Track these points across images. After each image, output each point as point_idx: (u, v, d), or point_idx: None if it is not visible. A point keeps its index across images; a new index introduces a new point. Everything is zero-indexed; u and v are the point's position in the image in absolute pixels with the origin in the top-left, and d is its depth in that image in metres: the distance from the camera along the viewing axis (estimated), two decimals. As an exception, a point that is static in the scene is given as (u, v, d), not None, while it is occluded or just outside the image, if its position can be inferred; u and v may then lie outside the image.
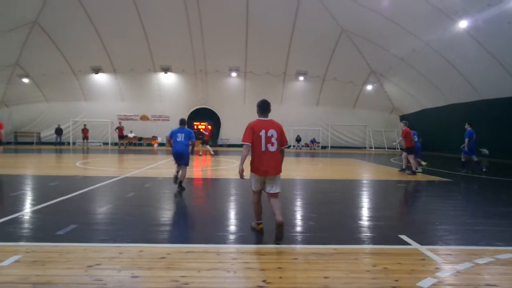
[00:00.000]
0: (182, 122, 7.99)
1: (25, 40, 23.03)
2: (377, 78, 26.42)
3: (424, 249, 3.73)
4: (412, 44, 19.18)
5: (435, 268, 3.22)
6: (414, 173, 11.04)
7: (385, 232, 4.49)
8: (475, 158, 11.98)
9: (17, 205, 5.75)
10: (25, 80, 26.27)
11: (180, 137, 7.55)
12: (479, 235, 4.39)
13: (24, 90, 26.87)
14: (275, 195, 4.14)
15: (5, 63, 24.07)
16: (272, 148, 4.12)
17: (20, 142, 27.53)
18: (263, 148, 4.08)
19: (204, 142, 18.91)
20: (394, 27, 18.59)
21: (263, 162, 4.09)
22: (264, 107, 4.34)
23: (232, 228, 4.68)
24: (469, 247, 3.86)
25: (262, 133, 4.10)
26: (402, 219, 5.36)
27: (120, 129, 25.81)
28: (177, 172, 7.55)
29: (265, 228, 4.40)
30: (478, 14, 14.30)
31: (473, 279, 3.02)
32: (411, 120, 27.13)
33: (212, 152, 18.44)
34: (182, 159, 7.48)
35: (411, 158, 11.28)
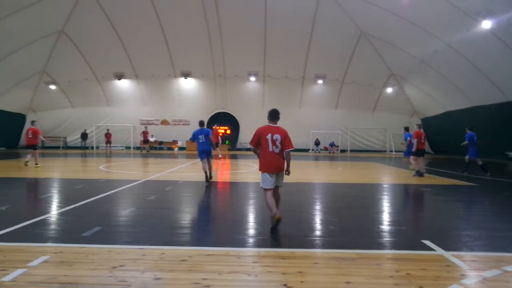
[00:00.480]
0: (201, 123, 9.68)
1: (52, 48, 23.90)
2: (397, 80, 25.99)
3: (449, 255, 3.63)
4: (433, 45, 18.77)
5: (461, 275, 3.13)
6: (422, 174, 11.16)
7: (407, 237, 4.41)
8: (479, 162, 12.13)
9: (45, 207, 5.96)
10: (52, 87, 27.24)
11: (202, 138, 9.17)
12: (507, 241, 4.23)
13: (51, 96, 27.88)
14: (280, 187, 5.01)
15: (33, 71, 25.06)
16: (276, 150, 4.76)
17: (47, 146, 28.47)
18: (270, 149, 4.74)
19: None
20: (414, 28, 18.28)
21: (272, 161, 4.77)
22: (274, 115, 5.03)
23: (252, 231, 4.70)
24: (496, 254, 3.73)
25: (269, 136, 4.75)
26: (425, 224, 5.23)
27: (145, 133, 26.24)
28: (205, 171, 9.03)
29: (284, 232, 4.39)
30: (503, 14, 13.89)
31: (501, 287, 2.92)
32: (434, 123, 26.67)
33: (220, 156, 18.36)
34: (207, 154, 9.13)
35: (421, 160, 11.56)
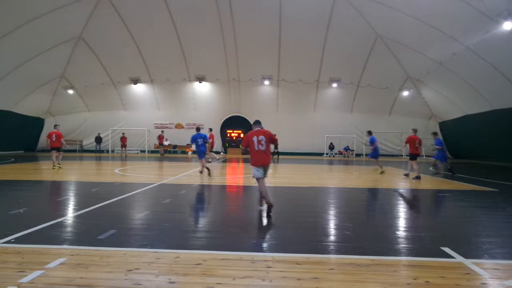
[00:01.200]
0: (198, 129, 12.15)
1: (71, 54, 24.48)
2: (414, 83, 25.58)
3: (469, 262, 3.51)
4: (451, 48, 18.42)
5: (482, 284, 3.03)
6: (418, 178, 11.45)
7: (425, 244, 4.30)
8: (440, 165, 13.97)
9: (62, 210, 6.06)
10: (70, 92, 27.86)
11: (200, 141, 11.43)
12: (530, 249, 4.09)
13: (69, 100, 28.53)
14: (266, 177, 6.13)
15: (52, 76, 25.69)
16: (262, 148, 5.92)
17: (64, 150, 29.08)
18: (256, 148, 5.92)
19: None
20: (431, 31, 17.99)
21: (258, 158, 5.94)
22: (257, 123, 6.34)
23: (266, 235, 4.66)
24: (519, 262, 3.60)
25: (254, 138, 5.95)
26: (444, 231, 5.09)
27: (161, 137, 26.63)
28: (202, 168, 11.50)
29: (298, 237, 4.34)
30: (525, 15, 13.56)
31: (526, 296, 2.81)
32: (452, 126, 26.13)
33: (210, 160, 17.17)
34: (203, 155, 11.53)
35: (414, 163, 11.89)
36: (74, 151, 28.38)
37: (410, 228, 5.19)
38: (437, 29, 17.75)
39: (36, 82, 24.96)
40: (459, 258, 3.66)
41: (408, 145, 12.28)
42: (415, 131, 12.52)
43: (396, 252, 3.96)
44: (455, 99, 23.75)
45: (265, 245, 4.19)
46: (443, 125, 28.14)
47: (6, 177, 10.79)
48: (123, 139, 26.77)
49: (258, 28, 22.51)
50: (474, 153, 24.93)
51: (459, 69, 20.07)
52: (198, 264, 3.38)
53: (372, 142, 14.31)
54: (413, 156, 12.09)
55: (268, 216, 5.58)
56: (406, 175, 12.50)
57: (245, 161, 21.44)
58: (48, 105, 28.54)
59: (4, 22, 18.24)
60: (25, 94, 24.93)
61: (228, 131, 30.05)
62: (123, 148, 26.76)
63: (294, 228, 4.97)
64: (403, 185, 10.58)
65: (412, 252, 3.98)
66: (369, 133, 14.97)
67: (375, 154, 14.40)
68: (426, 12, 17.16)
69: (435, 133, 14.45)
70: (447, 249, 3.94)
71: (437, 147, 13.43)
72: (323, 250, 3.97)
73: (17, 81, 22.75)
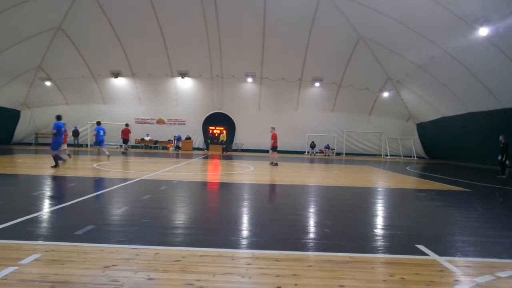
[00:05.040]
0: (98, 123, 15.77)
1: (49, 44, 23.76)
2: (394, 85, 26.16)
3: (442, 260, 3.63)
4: (430, 51, 18.93)
5: (454, 280, 3.14)
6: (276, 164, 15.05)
7: (401, 242, 4.41)
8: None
9: (37, 205, 5.89)
10: (47, 83, 27.06)
11: (102, 132, 15.34)
12: (500, 247, 4.25)
13: (46, 92, 27.73)
14: None
15: (29, 67, 24.90)
16: None
17: (40, 143, 28.27)
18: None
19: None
20: (412, 34, 18.42)
21: None
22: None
23: (247, 233, 4.67)
24: (489, 260, 3.74)
25: None
26: (419, 229, 5.24)
27: (126, 131, 22.73)
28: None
29: (278, 234, 4.38)
30: (500, 21, 14.05)
31: (494, 293, 2.93)
32: (429, 128, 26.84)
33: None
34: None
35: (275, 153, 15.61)
36: (49, 144, 27.60)
37: (387, 226, 5.32)
38: (417, 32, 18.19)
39: (12, 72, 24.14)
40: (433, 256, 3.78)
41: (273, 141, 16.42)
42: (273, 128, 16.91)
43: (373, 250, 4.05)
44: (432, 101, 24.45)
45: (245, 242, 4.20)
46: (420, 126, 28.90)
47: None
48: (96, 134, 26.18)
49: (243, 25, 22.48)
50: (449, 154, 25.74)
51: (437, 72, 20.66)
52: (178, 260, 3.36)
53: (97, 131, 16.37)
54: (274, 148, 16.40)
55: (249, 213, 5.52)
56: (272, 163, 16.00)
57: (226, 158, 21.41)
58: (24, 97, 27.65)
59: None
60: (1, 85, 24.07)
61: (210, 127, 29.91)
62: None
63: (274, 225, 5.01)
64: (380, 184, 10.80)
65: (389, 249, 4.07)
66: (58, 118, 12.18)
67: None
68: (407, 16, 17.55)
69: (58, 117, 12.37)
70: (421, 247, 4.05)
71: None
72: (302, 247, 4.01)
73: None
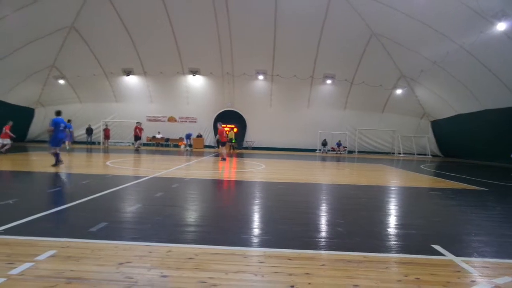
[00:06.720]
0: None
1: (62, 43, 24.12)
2: (408, 82, 25.78)
3: (459, 260, 3.56)
4: (445, 47, 18.57)
5: (471, 281, 3.07)
6: (224, 159, 15.61)
7: (416, 241, 4.33)
8: None
9: (52, 202, 5.99)
10: (61, 82, 27.50)
11: (62, 127, 11.09)
12: (519, 248, 4.15)
13: (59, 91, 28.20)
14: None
15: (43, 65, 25.34)
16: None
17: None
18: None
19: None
20: (427, 30, 18.11)
21: None
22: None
23: (258, 231, 4.66)
24: (508, 261, 3.65)
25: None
26: (435, 228, 5.14)
27: (138, 129, 23.85)
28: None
29: (290, 232, 4.35)
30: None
31: (514, 294, 2.85)
32: (444, 125, 26.39)
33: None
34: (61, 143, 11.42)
35: (224, 148, 16.23)
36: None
37: (401, 225, 5.23)
38: (432, 28, 17.87)
39: (27, 71, 24.59)
40: (449, 256, 3.70)
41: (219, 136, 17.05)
42: (220, 124, 17.55)
43: (387, 249, 3.98)
44: (448, 98, 24.01)
45: (257, 240, 4.19)
46: (435, 124, 28.44)
47: (-5, 167, 10.66)
48: (106, 131, 26.62)
49: (253, 23, 22.43)
50: (464, 152, 25.28)
51: (452, 69, 20.27)
52: (190, 258, 3.36)
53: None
54: (223, 143, 16.87)
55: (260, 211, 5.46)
56: (223, 159, 16.26)
57: (238, 156, 21.43)
58: (38, 95, 28.16)
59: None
60: (16, 83, 24.56)
61: (222, 125, 29.98)
62: (106, 140, 26.66)
63: (286, 224, 4.98)
64: (394, 183, 10.66)
65: (403, 249, 4.01)
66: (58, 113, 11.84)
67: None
68: (421, 11, 17.25)
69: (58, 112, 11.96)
70: (437, 247, 3.98)
71: None
72: (315, 246, 3.98)
73: (7, 70, 22.38)
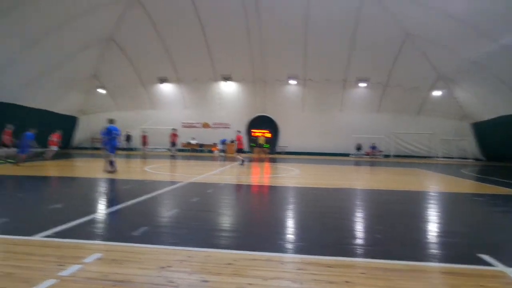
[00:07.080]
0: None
1: (102, 54, 25.37)
2: (446, 83, 24.78)
3: (511, 271, 3.37)
4: (486, 46, 17.72)
5: (525, 294, 2.89)
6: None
7: (461, 250, 4.14)
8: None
9: (96, 206, 6.28)
10: (101, 91, 28.87)
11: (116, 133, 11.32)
12: None
13: (100, 99, 29.63)
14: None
15: (85, 76, 26.73)
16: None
17: (96, 147, 30.12)
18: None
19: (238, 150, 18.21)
20: (465, 29, 17.37)
21: None
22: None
23: (294, 237, 4.63)
24: None
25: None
26: (481, 237, 4.88)
27: (173, 135, 24.27)
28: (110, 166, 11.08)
29: (327, 239, 4.30)
30: None
31: None
32: (486, 128, 25.06)
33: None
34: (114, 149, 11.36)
35: (239, 154, 16.45)
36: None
37: (443, 233, 5.02)
38: (470, 26, 17.12)
39: (71, 82, 26.01)
40: (500, 267, 3.50)
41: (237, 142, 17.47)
42: (239, 132, 17.88)
43: (429, 258, 3.84)
44: (489, 99, 22.83)
45: (293, 246, 4.17)
46: (476, 126, 27.07)
47: (43, 173, 11.33)
48: (144, 137, 27.36)
49: (285, 27, 22.49)
50: (510, 155, 23.84)
51: (493, 68, 19.31)
52: (229, 264, 3.41)
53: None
54: (240, 150, 17.38)
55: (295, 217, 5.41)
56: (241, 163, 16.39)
57: (271, 161, 21.44)
58: (81, 104, 29.69)
59: (42, 24, 19.07)
60: (61, 93, 26.04)
61: (253, 130, 30.16)
62: (144, 147, 27.38)
63: (321, 230, 4.92)
64: (433, 188, 10.25)
65: (447, 258, 3.84)
66: (111, 121, 12.07)
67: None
68: (458, 9, 16.58)
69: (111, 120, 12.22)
70: (485, 257, 3.77)
71: None
72: (353, 253, 3.91)
73: (55, 82, 23.79)
